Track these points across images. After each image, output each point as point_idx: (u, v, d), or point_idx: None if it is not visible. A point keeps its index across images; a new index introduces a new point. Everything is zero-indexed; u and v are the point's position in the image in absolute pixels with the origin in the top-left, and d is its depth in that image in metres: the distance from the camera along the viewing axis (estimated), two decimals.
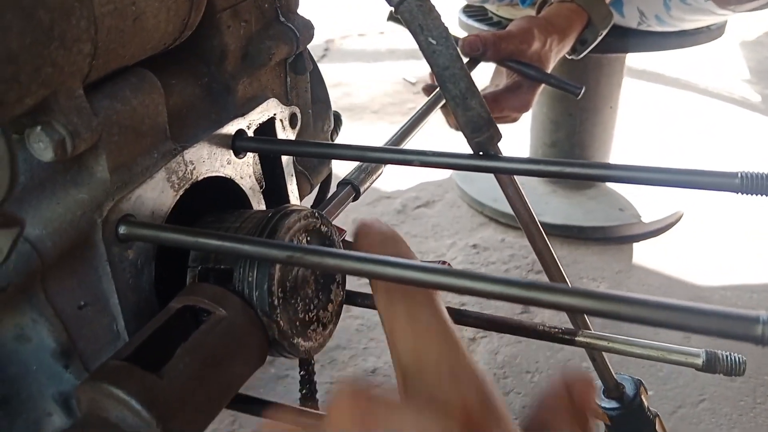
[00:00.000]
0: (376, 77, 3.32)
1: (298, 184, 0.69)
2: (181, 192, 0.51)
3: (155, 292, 0.50)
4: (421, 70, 3.28)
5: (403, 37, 3.73)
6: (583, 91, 1.23)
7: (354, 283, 0.60)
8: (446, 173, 2.37)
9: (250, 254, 0.42)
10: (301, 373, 0.68)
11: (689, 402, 1.45)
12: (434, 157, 0.48)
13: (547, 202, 2.13)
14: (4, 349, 0.41)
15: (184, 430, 0.42)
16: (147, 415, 0.40)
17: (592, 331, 0.54)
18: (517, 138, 2.28)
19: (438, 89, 0.59)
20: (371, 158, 0.51)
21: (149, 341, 0.45)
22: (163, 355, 0.43)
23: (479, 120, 0.46)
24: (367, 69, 3.45)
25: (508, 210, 2.12)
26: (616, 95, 2.10)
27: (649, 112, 2.85)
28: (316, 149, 0.56)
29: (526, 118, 2.22)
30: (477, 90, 0.46)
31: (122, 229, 0.45)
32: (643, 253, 1.98)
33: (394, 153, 0.51)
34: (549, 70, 1.24)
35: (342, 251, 0.42)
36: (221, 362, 0.46)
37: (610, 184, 2.23)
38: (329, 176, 0.83)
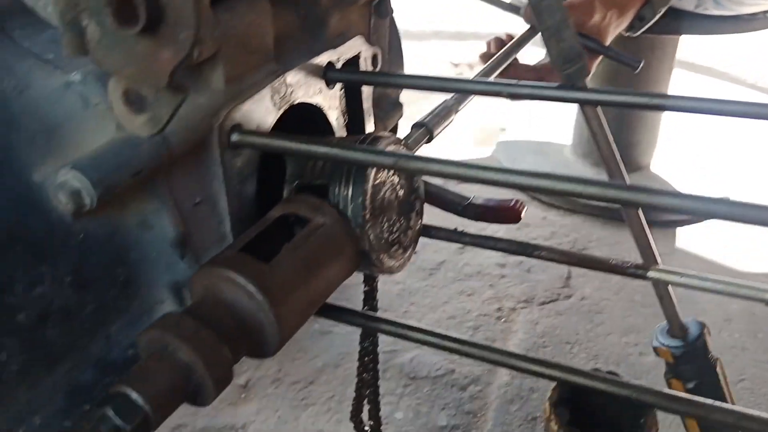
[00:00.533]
0: (421, 58, 3.33)
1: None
2: (280, 112, 0.55)
3: (255, 202, 0.54)
4: (465, 52, 3.28)
5: (448, 20, 3.73)
6: (641, 65, 1.23)
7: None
8: (488, 153, 2.39)
9: (359, 160, 0.45)
10: (365, 289, 0.72)
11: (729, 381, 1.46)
12: (524, 89, 0.51)
13: None
14: (129, 234, 0.45)
15: (288, 319, 0.46)
16: (261, 298, 0.44)
17: (664, 266, 0.56)
18: (564, 120, 2.28)
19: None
20: (462, 89, 0.54)
21: (255, 241, 0.49)
22: (267, 255, 0.47)
23: (571, 51, 0.48)
24: (413, 49, 3.46)
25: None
26: (667, 79, 2.09)
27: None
28: (404, 80, 0.59)
29: None
30: (570, 23, 0.49)
31: (234, 137, 0.49)
32: (686, 238, 1.98)
33: (485, 84, 0.53)
34: (607, 44, 1.25)
35: (441, 158, 0.44)
36: (319, 264, 0.49)
37: (654, 169, 2.22)
38: (396, 126, 0.87)
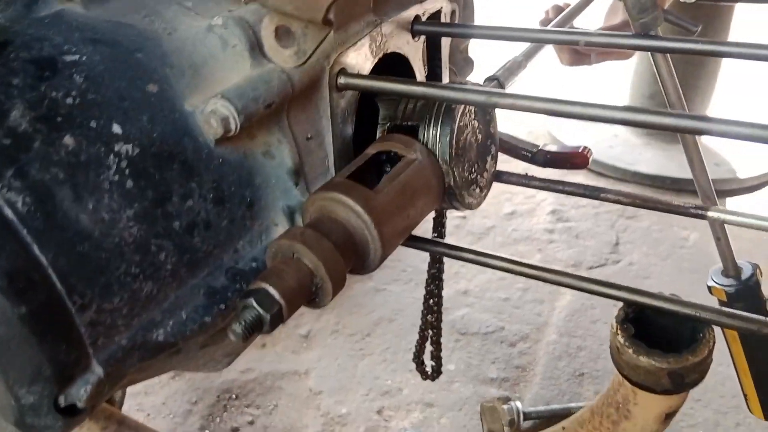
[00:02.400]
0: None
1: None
2: (375, 60, 0.61)
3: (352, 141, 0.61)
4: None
5: None
6: (699, 29, 1.25)
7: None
8: (540, 121, 2.41)
9: (454, 98, 0.51)
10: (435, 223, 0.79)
11: None
12: (599, 37, 0.56)
13: (641, 153, 2.15)
14: (255, 161, 0.52)
15: (388, 238, 0.52)
16: (367, 218, 0.51)
17: (723, 207, 0.61)
18: (617, 88, 2.29)
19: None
20: (539, 38, 0.59)
21: (357, 172, 0.55)
22: (366, 186, 0.54)
23: (646, 2, 0.53)
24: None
25: (599, 158, 2.14)
26: None
27: (754, 80, 2.77)
28: (485, 32, 0.64)
29: (629, 67, 2.23)
30: None
31: (341, 79, 0.55)
32: (736, 208, 1.99)
33: (563, 34, 0.58)
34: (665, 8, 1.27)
35: (527, 94, 0.50)
36: (413, 194, 0.56)
37: (706, 139, 2.22)
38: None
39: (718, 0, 1.85)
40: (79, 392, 0.43)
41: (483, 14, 0.88)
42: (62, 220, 0.40)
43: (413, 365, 1.12)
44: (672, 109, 0.71)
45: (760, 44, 0.52)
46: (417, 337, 1.07)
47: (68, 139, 0.41)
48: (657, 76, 0.67)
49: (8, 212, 0.39)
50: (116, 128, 0.43)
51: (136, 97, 0.45)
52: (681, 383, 0.54)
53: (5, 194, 0.39)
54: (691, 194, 2.01)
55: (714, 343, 0.53)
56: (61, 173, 0.41)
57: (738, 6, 2.03)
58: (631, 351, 0.54)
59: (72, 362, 0.42)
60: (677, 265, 1.81)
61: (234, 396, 1.40)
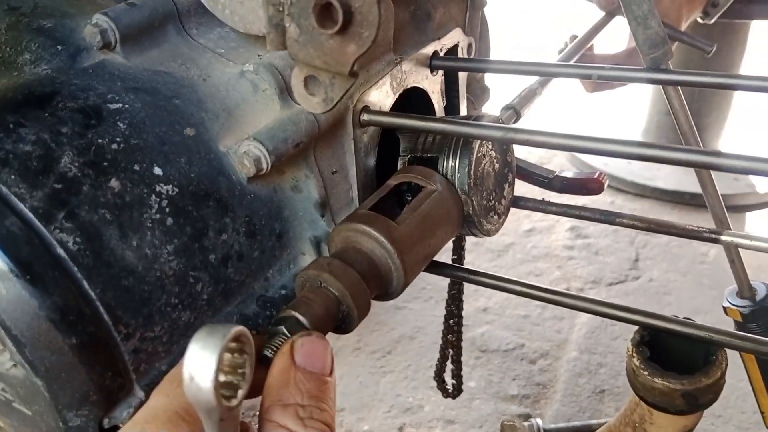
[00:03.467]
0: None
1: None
2: (396, 96, 0.64)
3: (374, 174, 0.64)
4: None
5: None
6: (714, 49, 1.27)
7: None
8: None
9: (471, 134, 0.54)
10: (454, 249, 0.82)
11: None
12: (612, 71, 0.58)
13: (660, 169, 2.15)
14: (284, 195, 0.56)
15: (410, 266, 0.55)
16: (390, 248, 0.53)
17: (736, 231, 0.63)
18: (636, 106, 2.30)
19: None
20: (552, 72, 0.61)
21: (379, 203, 0.58)
22: (388, 216, 0.57)
23: (656, 38, 0.56)
24: None
25: (618, 174, 2.15)
26: (738, 64, 2.08)
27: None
28: (498, 66, 0.67)
29: (648, 87, 2.24)
30: (656, 12, 0.56)
31: (364, 116, 0.58)
32: (755, 223, 1.98)
33: (575, 68, 0.61)
34: (682, 30, 1.29)
35: (543, 130, 0.53)
36: (433, 223, 0.58)
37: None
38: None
39: (734, 18, 1.86)
40: (122, 414, 0.46)
41: (498, 24, 0.90)
42: (109, 257, 0.44)
43: (434, 382, 1.14)
44: (684, 140, 0.73)
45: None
46: (438, 354, 1.09)
47: (114, 182, 0.45)
48: (669, 108, 0.69)
49: (60, 251, 0.42)
50: (157, 170, 0.47)
51: (175, 141, 0.48)
52: (695, 404, 0.56)
53: (57, 235, 0.42)
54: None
55: (727, 365, 0.55)
56: (108, 214, 0.44)
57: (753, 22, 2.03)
58: (646, 373, 0.56)
59: (117, 388, 0.45)
60: (697, 281, 1.81)
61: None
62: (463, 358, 1.43)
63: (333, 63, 0.40)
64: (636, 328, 0.59)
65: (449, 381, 1.12)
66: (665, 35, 0.55)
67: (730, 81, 0.54)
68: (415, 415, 1.43)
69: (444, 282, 1.04)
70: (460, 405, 1.44)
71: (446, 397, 1.13)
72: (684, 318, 0.56)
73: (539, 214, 2.11)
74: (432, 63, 0.69)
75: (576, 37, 1.23)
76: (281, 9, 0.39)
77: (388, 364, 1.55)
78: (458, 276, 0.67)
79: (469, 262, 1.92)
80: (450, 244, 0.95)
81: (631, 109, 2.40)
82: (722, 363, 0.54)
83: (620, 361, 1.55)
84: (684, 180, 2.08)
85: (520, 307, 1.73)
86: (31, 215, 0.41)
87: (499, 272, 1.88)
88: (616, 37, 1.26)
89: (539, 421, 1.33)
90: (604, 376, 1.52)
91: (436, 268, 0.66)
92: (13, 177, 0.41)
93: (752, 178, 2.11)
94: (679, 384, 0.55)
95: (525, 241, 1.99)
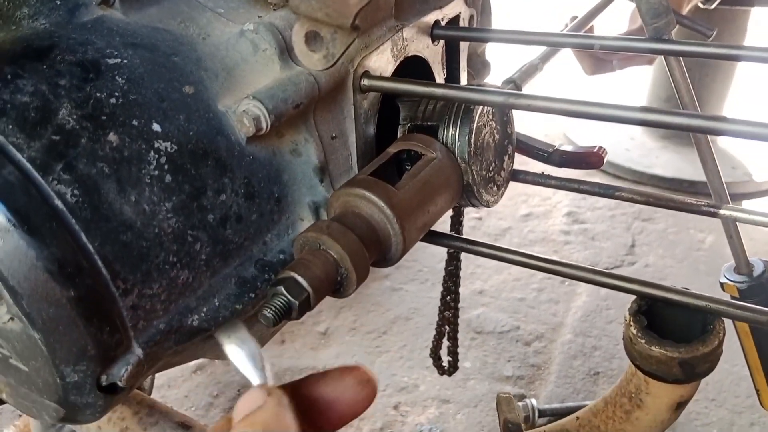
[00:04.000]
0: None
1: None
2: (397, 63, 0.63)
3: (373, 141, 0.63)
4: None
5: None
6: (714, 33, 1.27)
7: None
8: (555, 125, 2.42)
9: (473, 99, 0.53)
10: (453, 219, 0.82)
11: None
12: (614, 41, 0.58)
13: (658, 156, 2.15)
14: (283, 159, 0.55)
15: (409, 232, 0.55)
16: (390, 213, 0.53)
17: (735, 204, 0.63)
18: (635, 92, 2.30)
19: None
20: (556, 42, 0.61)
21: (378, 170, 0.58)
22: (388, 182, 0.56)
23: (659, 7, 0.55)
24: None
25: (616, 161, 2.16)
26: None
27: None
28: (502, 35, 0.66)
29: (646, 72, 2.24)
30: None
31: (364, 81, 0.58)
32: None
33: (578, 38, 0.61)
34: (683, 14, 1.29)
35: (544, 95, 0.52)
36: (433, 190, 0.58)
37: (722, 143, 2.22)
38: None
39: (734, 4, 1.85)
40: (120, 372, 0.46)
41: (501, 12, 0.90)
42: (107, 211, 0.43)
43: (429, 362, 1.14)
44: (686, 108, 0.73)
45: None
46: (433, 334, 1.09)
47: (112, 136, 0.44)
48: (671, 79, 0.69)
49: (58, 203, 0.42)
50: (156, 127, 0.46)
51: (174, 98, 0.48)
52: (692, 372, 0.56)
53: (55, 186, 0.42)
54: (707, 197, 2.01)
55: (724, 334, 0.55)
56: (106, 168, 0.44)
57: (754, 9, 2.03)
58: (643, 341, 0.57)
59: (115, 343, 0.45)
60: (693, 267, 1.82)
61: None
62: (458, 338, 1.43)
63: (335, 15, 0.40)
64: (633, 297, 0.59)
65: (445, 358, 1.12)
66: (668, 4, 0.54)
67: (732, 52, 0.54)
68: (410, 394, 1.44)
69: (440, 265, 1.04)
70: (455, 385, 1.45)
71: (442, 374, 1.13)
72: (682, 288, 0.56)
73: (537, 199, 2.11)
74: (434, 32, 0.69)
75: (576, 17, 1.23)
76: None
77: (383, 344, 1.56)
78: (457, 246, 0.67)
79: None
80: (448, 220, 0.95)
81: (629, 96, 2.39)
82: (720, 332, 0.54)
83: (615, 344, 1.56)
84: (682, 168, 2.09)
85: (516, 290, 1.74)
86: (28, 165, 0.41)
87: None
88: (616, 26, 1.25)
89: (534, 401, 1.33)
90: (598, 358, 1.53)
91: (435, 237, 0.66)
92: (10, 127, 0.41)
93: (749, 167, 2.11)
94: (677, 352, 0.55)
95: (522, 226, 1.99)
